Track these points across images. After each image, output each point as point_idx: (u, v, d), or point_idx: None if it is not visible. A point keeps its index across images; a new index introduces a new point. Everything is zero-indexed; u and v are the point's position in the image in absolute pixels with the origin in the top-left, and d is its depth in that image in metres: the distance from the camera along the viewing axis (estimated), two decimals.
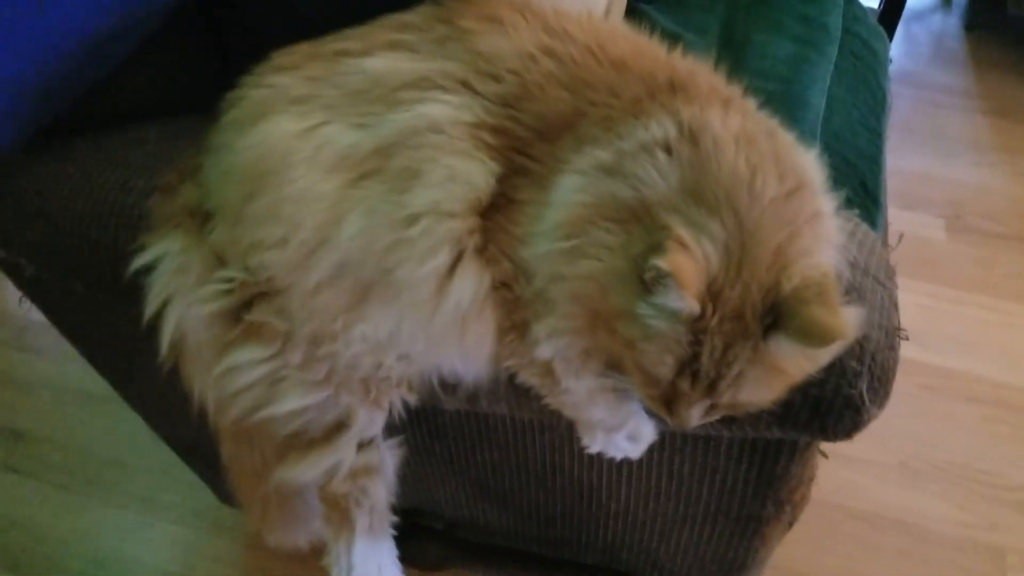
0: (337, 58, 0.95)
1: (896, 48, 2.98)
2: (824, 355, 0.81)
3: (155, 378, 1.02)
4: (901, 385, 2.06)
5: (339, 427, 0.97)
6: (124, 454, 1.91)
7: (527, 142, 0.88)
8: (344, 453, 0.99)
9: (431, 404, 1.02)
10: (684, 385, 0.79)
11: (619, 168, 0.78)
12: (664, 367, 0.78)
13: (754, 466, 1.06)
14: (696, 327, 0.75)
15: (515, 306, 0.88)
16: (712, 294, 0.72)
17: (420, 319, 0.87)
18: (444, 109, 0.88)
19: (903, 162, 2.61)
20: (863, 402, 0.86)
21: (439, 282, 0.86)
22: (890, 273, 0.95)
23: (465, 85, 0.89)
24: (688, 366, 0.78)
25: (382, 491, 1.04)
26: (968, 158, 2.64)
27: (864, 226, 0.99)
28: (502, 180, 0.88)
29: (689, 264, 0.70)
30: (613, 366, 0.86)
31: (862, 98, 1.63)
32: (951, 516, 1.82)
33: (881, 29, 1.82)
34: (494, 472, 1.26)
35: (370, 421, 0.98)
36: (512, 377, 0.94)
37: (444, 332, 0.88)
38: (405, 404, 1.00)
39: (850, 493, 1.86)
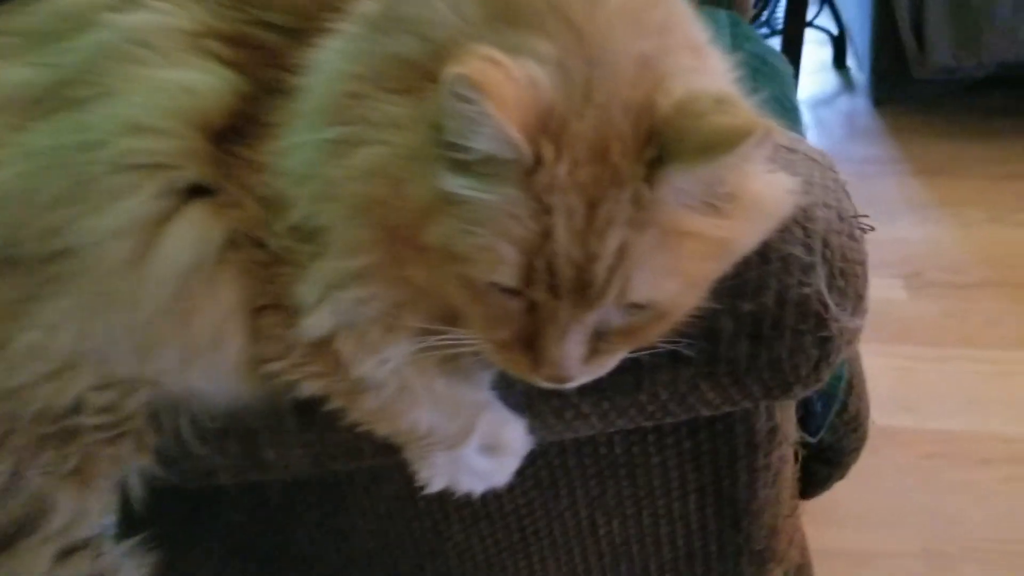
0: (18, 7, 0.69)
1: (810, 133, 2.86)
2: (748, 203, 0.53)
3: None
4: (902, 459, 1.74)
5: (25, 527, 0.61)
6: None
7: (278, 50, 0.63)
8: (32, 566, 0.62)
9: (199, 480, 0.66)
10: (542, 295, 0.51)
11: (394, 16, 0.56)
12: (506, 269, 0.50)
13: (707, 493, 0.71)
14: (538, 185, 0.49)
15: (270, 270, 0.59)
16: (552, 131, 0.49)
17: (116, 303, 0.56)
18: (150, 17, 0.63)
19: None
20: (825, 305, 0.54)
21: (140, 237, 0.57)
22: (831, 162, 0.65)
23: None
24: (540, 256, 0.49)
25: None
26: (911, 217, 2.46)
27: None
28: (249, 100, 0.62)
29: (502, 79, 0.47)
30: (436, 316, 0.57)
31: (769, 107, 1.40)
32: None
33: (777, 50, 1.64)
34: None
35: (79, 510, 0.63)
36: (290, 391, 0.60)
37: (156, 321, 0.57)
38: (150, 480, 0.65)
39: None
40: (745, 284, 0.56)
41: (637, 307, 0.52)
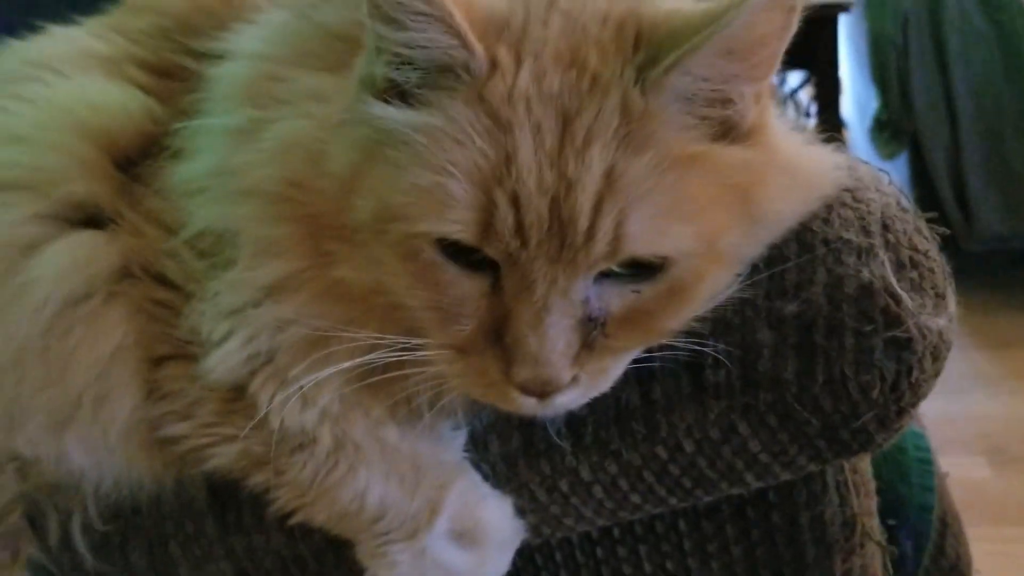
0: None
1: None
2: (776, 151, 0.42)
3: None
4: None
5: None
6: None
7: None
8: None
9: None
10: (510, 247, 0.39)
11: None
12: (458, 214, 0.39)
13: None
14: (494, 96, 0.39)
15: (174, 312, 0.47)
16: (510, 38, 0.40)
17: None
18: (58, 43, 0.56)
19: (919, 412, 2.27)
20: (895, 296, 0.40)
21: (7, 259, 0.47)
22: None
23: (115, 30, 0.58)
24: (501, 189, 0.38)
25: None
26: (984, 392, 2.32)
27: None
28: (165, 126, 0.52)
29: None
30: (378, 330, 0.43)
31: None
32: None
33: None
34: None
35: None
36: (199, 463, 0.46)
37: (21, 369, 0.47)
38: None
39: None
40: (783, 279, 0.42)
41: (641, 269, 0.39)
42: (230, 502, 0.49)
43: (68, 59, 0.54)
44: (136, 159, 0.51)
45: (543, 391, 0.39)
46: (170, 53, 0.55)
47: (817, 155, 0.45)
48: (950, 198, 2.46)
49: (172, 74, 0.55)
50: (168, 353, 0.47)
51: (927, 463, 0.78)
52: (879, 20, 2.22)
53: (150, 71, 0.55)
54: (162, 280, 0.47)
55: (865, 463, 0.54)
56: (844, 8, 2.11)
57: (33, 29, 0.60)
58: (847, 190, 0.44)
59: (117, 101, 0.52)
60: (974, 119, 2.32)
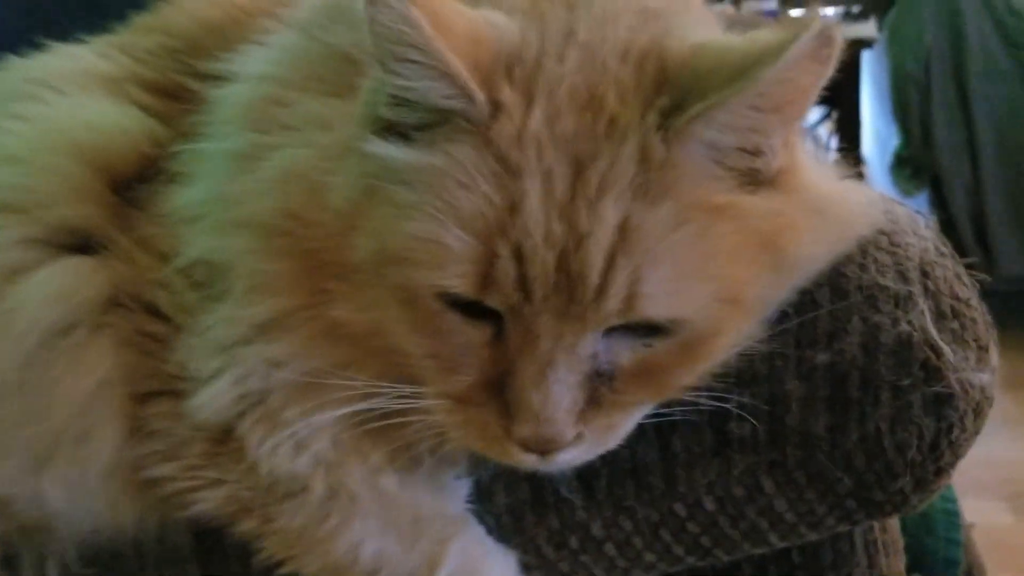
0: None
1: None
2: (805, 191, 0.39)
3: None
4: None
5: None
6: None
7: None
8: None
9: None
10: (511, 300, 0.36)
11: (332, 8, 0.46)
12: (456, 266, 0.36)
13: None
14: (500, 139, 0.36)
15: (164, 346, 0.45)
16: (520, 75, 0.38)
17: None
18: (59, 60, 0.55)
19: None
20: (936, 349, 0.37)
21: None
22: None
23: (120, 49, 0.57)
24: (505, 239, 0.36)
25: None
26: (1006, 436, 2.30)
27: None
28: (165, 150, 0.50)
29: (443, 4, 0.37)
30: (375, 375, 0.41)
31: None
32: None
33: None
34: None
35: None
36: (184, 508, 0.44)
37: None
38: None
39: None
40: (815, 327, 0.39)
41: (654, 329, 0.36)
42: (216, 549, 0.46)
43: (69, 77, 0.52)
44: (134, 182, 0.49)
45: (545, 449, 0.37)
46: (175, 74, 0.53)
47: (849, 191, 0.42)
48: (970, 237, 2.42)
49: (176, 95, 0.53)
50: (155, 389, 0.44)
51: (953, 515, 0.75)
52: (901, 57, 2.19)
53: (154, 92, 0.53)
54: (153, 311, 0.45)
55: (894, 520, 0.51)
56: (866, 44, 2.09)
57: (38, 47, 0.58)
58: (883, 233, 0.42)
59: (115, 122, 0.49)
60: (996, 157, 2.29)
